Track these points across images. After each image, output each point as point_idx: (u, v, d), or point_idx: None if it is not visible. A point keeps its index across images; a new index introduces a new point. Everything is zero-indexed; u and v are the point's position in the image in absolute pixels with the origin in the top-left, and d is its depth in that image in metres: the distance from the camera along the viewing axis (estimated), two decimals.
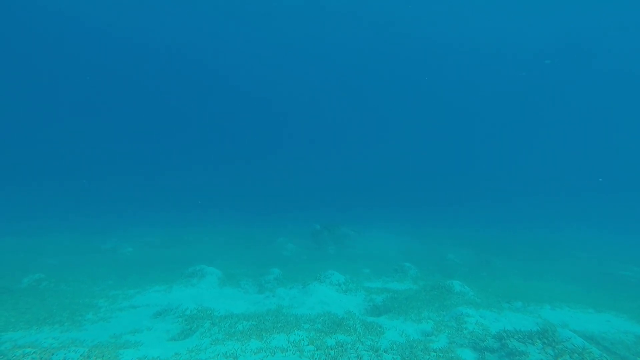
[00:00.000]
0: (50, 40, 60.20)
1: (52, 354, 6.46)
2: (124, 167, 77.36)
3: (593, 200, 69.42)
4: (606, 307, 12.54)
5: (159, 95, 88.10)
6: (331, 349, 8.10)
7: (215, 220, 39.88)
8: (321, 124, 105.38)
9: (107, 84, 77.65)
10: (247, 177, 78.51)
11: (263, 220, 42.09)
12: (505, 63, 75.47)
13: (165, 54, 73.55)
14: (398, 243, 30.34)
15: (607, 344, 9.47)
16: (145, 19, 58.77)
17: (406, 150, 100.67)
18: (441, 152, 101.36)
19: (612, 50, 66.21)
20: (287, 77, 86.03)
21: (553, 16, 59.20)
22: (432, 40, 70.69)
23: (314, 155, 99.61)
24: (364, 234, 31.38)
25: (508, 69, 77.10)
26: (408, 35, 69.18)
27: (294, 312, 12.00)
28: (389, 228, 38.88)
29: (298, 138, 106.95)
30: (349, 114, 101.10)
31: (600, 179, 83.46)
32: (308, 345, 8.49)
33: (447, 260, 20.45)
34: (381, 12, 62.52)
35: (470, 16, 62.92)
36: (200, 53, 74.33)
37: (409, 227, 40.36)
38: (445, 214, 51.81)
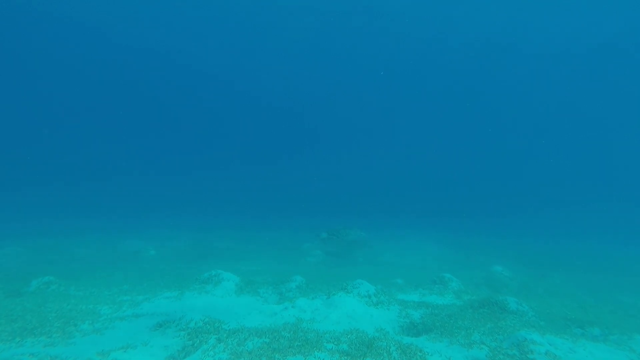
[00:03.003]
0: (71, 45, 62.27)
1: None
2: (154, 170, 79.23)
3: None
4: None
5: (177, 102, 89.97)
6: None
7: (241, 225, 39.06)
8: (340, 124, 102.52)
9: (136, 87, 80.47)
10: (273, 181, 77.89)
11: (290, 225, 40.75)
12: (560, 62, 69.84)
13: (197, 62, 75.43)
14: (434, 251, 27.80)
15: None
16: (164, 25, 59.87)
17: (442, 154, 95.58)
18: (480, 156, 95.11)
19: None
20: (300, 81, 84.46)
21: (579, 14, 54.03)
22: (471, 39, 67.18)
23: (338, 159, 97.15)
24: (395, 238, 29.12)
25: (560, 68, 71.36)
26: (435, 35, 66.29)
27: (316, 327, 10.28)
28: (422, 235, 36.23)
29: (322, 141, 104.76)
30: (371, 114, 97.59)
31: None
32: None
33: (493, 273, 17.89)
34: (400, 15, 60.25)
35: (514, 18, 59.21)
36: (222, 60, 75.18)
37: (446, 235, 37.44)
38: (487, 223, 47.93)
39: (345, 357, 7.87)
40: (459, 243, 33.05)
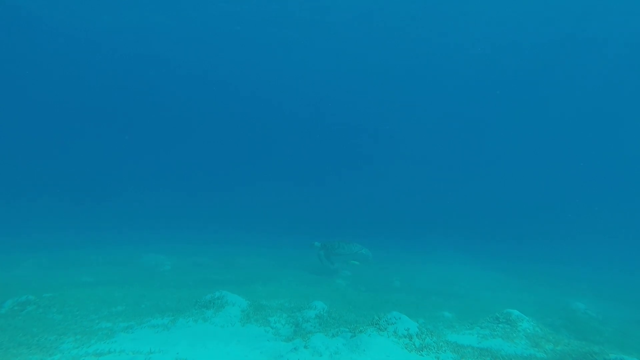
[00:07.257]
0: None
1: None
2: (182, 183, 78.71)
3: None
4: None
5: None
6: None
7: (268, 242, 36.66)
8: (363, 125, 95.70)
9: (163, 101, 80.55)
10: (309, 198, 74.70)
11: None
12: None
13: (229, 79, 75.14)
14: (485, 279, 23.56)
15: None
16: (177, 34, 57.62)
17: (494, 162, 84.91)
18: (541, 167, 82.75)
19: None
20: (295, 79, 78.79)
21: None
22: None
23: (364, 169, 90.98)
24: (435, 260, 25.24)
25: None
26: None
27: None
28: (468, 258, 31.81)
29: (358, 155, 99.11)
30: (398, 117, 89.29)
31: None
32: None
33: (574, 312, 13.75)
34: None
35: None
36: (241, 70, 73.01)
37: (497, 260, 32.66)
38: (549, 248, 41.49)
39: None
40: (515, 270, 28.31)
